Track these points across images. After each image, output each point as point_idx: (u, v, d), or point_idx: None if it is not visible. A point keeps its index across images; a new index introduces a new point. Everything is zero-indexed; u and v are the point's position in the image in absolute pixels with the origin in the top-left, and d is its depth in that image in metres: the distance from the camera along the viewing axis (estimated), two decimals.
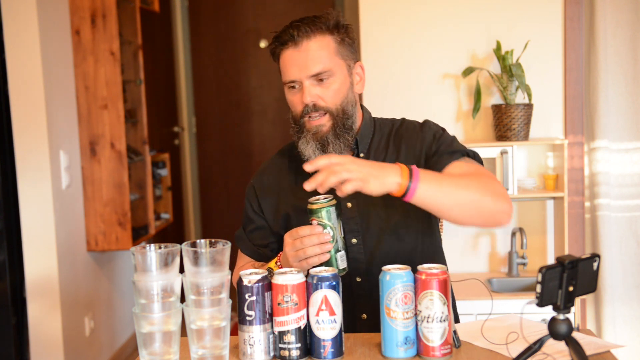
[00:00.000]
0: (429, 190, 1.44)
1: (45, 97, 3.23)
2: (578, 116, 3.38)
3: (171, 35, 5.27)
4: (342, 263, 1.54)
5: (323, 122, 1.68)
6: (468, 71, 3.27)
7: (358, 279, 1.71)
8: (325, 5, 5.13)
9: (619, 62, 3.31)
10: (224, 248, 1.37)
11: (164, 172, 4.52)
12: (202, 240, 1.36)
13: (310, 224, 1.52)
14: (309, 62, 1.65)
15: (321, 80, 1.66)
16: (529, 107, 3.24)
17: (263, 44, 5.36)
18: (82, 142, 3.63)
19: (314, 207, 1.52)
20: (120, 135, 3.64)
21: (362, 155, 1.75)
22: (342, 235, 1.55)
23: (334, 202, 1.52)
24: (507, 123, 3.23)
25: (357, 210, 1.71)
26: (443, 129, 1.76)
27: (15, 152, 3.23)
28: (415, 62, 3.44)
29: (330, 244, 1.51)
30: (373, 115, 1.85)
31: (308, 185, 1.42)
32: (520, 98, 3.33)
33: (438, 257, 1.78)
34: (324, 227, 1.51)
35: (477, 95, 3.28)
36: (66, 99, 3.51)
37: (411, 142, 1.74)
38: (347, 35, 1.71)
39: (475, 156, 1.70)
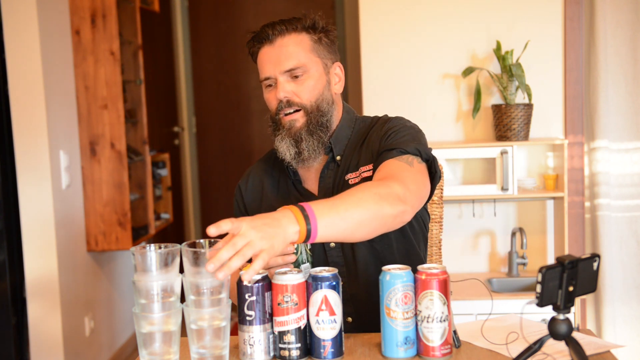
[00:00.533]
0: (330, 224, 1.35)
1: (45, 97, 3.23)
2: (578, 116, 3.38)
3: (171, 35, 5.27)
4: (307, 275, 1.54)
5: (296, 118, 1.69)
6: (468, 71, 3.27)
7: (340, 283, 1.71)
8: (325, 5, 5.13)
9: (619, 62, 3.31)
10: None
11: (164, 172, 4.52)
12: (202, 240, 1.36)
13: None
14: (283, 57, 1.67)
15: (296, 76, 1.67)
16: (529, 107, 3.24)
17: None
18: (82, 142, 3.63)
19: None
20: (120, 135, 3.65)
21: (338, 158, 1.74)
22: (309, 247, 1.54)
23: None
24: (507, 123, 3.23)
25: None
26: (403, 126, 1.70)
27: (15, 152, 3.23)
28: (415, 62, 3.44)
29: (294, 256, 1.51)
30: (371, 114, 1.85)
31: (209, 266, 1.25)
32: (520, 98, 3.33)
33: (412, 253, 1.75)
34: None
35: (477, 95, 3.28)
36: (66, 99, 3.51)
37: (371, 140, 1.72)
38: (325, 35, 1.72)
39: (421, 153, 1.62)
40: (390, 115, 1.82)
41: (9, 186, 3.25)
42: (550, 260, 3.42)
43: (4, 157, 3.23)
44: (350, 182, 1.70)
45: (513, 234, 3.32)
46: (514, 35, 3.36)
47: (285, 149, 1.69)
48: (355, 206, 1.39)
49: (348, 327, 1.70)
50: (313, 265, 1.70)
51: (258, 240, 1.26)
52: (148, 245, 1.38)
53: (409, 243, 1.75)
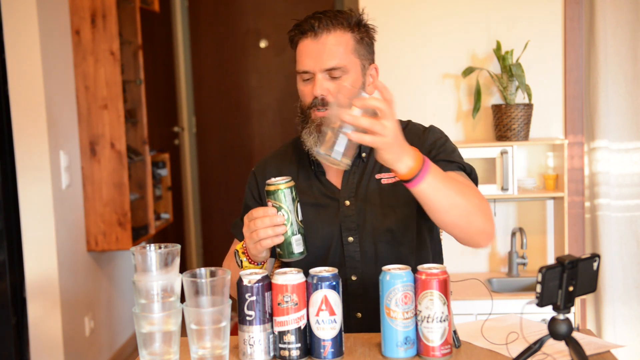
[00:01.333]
0: (434, 186, 1.42)
1: (45, 97, 3.23)
2: (578, 116, 3.38)
3: (171, 35, 5.27)
4: (298, 247, 1.51)
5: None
6: (468, 71, 3.27)
7: (354, 278, 1.71)
8: (325, 5, 5.13)
9: (619, 62, 3.31)
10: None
11: (164, 172, 4.52)
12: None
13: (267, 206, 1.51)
14: (325, 55, 1.66)
15: (334, 75, 1.67)
16: (529, 107, 3.24)
17: (263, 44, 5.35)
18: (82, 142, 3.63)
19: (270, 188, 1.49)
20: (120, 135, 3.64)
21: (364, 155, 1.75)
22: (300, 218, 1.52)
23: (290, 184, 1.50)
24: (507, 123, 3.23)
25: (354, 209, 1.71)
26: (446, 138, 1.76)
27: (15, 152, 3.23)
28: (415, 62, 3.44)
29: (284, 227, 1.49)
30: None
31: (355, 109, 1.36)
32: (520, 98, 3.33)
33: (433, 260, 1.77)
34: (279, 209, 1.49)
35: (477, 95, 3.28)
36: (66, 99, 3.51)
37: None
38: (367, 34, 1.73)
39: (471, 172, 1.70)
40: (400, 118, 1.83)
41: (9, 186, 3.25)
42: (550, 260, 3.42)
43: (4, 157, 3.23)
44: (383, 181, 1.71)
45: (513, 234, 3.32)
46: (514, 35, 3.35)
47: (312, 143, 1.69)
48: (461, 195, 1.48)
49: (357, 323, 1.71)
50: (325, 261, 1.69)
51: (389, 134, 1.35)
52: (148, 245, 1.38)
53: (427, 251, 1.77)
